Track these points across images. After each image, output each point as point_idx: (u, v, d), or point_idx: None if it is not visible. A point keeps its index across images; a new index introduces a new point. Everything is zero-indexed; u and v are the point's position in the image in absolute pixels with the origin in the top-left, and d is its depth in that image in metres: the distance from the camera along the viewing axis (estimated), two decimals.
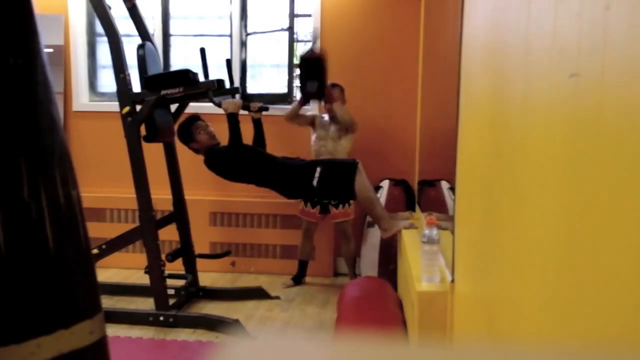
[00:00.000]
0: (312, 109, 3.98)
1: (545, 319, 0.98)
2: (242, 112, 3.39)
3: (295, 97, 4.24)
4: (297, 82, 4.26)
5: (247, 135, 3.46)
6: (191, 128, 3.44)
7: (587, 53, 0.81)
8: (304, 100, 3.71)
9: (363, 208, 3.46)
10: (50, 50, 4.18)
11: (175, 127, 3.51)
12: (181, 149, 3.60)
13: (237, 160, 3.37)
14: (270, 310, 3.45)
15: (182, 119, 3.55)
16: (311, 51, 3.67)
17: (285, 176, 3.36)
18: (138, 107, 3.17)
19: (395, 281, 3.36)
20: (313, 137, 3.83)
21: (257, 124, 3.58)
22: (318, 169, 3.27)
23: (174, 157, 3.58)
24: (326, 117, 3.83)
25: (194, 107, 3.66)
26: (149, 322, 3.16)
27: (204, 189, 4.19)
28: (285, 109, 4.04)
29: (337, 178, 3.28)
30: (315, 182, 3.25)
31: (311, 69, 3.60)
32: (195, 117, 3.48)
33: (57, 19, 4.23)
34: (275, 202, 4.01)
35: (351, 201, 3.74)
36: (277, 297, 3.64)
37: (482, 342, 1.47)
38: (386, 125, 4.10)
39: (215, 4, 4.38)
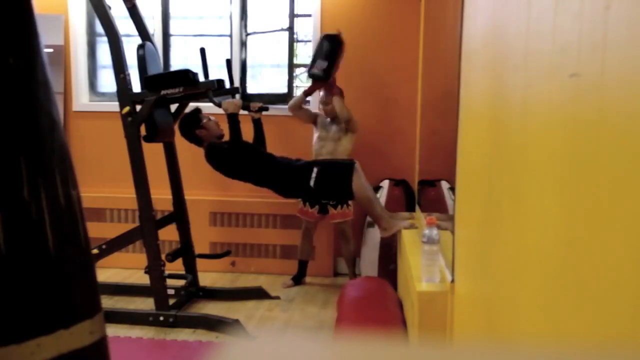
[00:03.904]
0: (310, 103, 3.98)
1: (545, 319, 0.98)
2: (242, 112, 3.39)
3: (295, 96, 4.25)
4: (298, 77, 4.27)
5: (247, 135, 3.47)
6: (199, 116, 3.45)
7: (587, 53, 0.81)
8: (311, 89, 3.71)
9: (362, 208, 3.46)
10: (50, 50, 4.18)
11: (176, 127, 3.51)
12: (181, 149, 3.60)
13: (236, 158, 3.37)
14: (270, 310, 3.45)
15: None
16: (336, 33, 3.67)
17: (283, 176, 3.36)
18: (138, 107, 3.17)
19: (395, 281, 3.36)
20: (315, 136, 3.83)
21: (257, 124, 3.58)
22: (315, 170, 3.27)
23: (174, 157, 3.58)
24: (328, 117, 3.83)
25: (194, 107, 3.65)
26: (149, 322, 3.16)
27: (204, 189, 4.19)
28: (285, 109, 4.04)
29: (334, 178, 3.28)
30: (312, 183, 3.25)
31: (328, 48, 3.61)
32: (199, 109, 3.49)
33: (57, 19, 4.23)
34: (275, 202, 4.01)
35: (350, 202, 3.75)
36: (277, 297, 3.64)
37: (482, 342, 1.47)
38: (386, 125, 4.10)
39: (215, 4, 4.38)
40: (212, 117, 3.49)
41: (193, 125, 3.42)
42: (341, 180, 3.25)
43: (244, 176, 3.44)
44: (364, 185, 3.25)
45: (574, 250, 0.84)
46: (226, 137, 3.43)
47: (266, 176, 3.39)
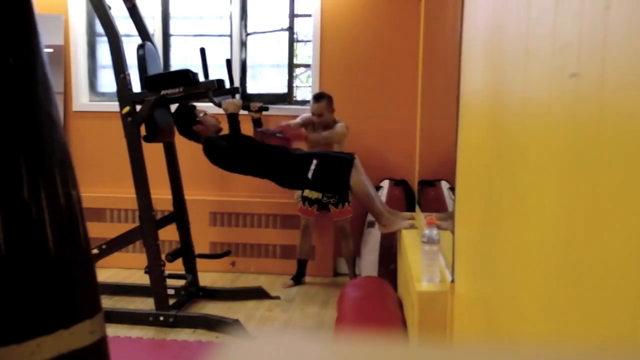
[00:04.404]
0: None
1: (545, 319, 0.98)
2: (242, 112, 3.39)
3: (295, 96, 4.26)
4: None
5: (247, 135, 3.47)
6: (194, 112, 3.44)
7: (587, 53, 0.81)
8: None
9: (362, 204, 3.44)
10: (50, 50, 4.18)
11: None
12: (181, 149, 3.60)
13: (235, 149, 3.35)
14: (270, 310, 3.45)
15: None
16: None
17: (281, 166, 3.34)
18: (138, 107, 3.17)
19: (395, 281, 3.36)
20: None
21: (257, 124, 3.58)
22: (314, 162, 3.25)
23: (174, 157, 3.58)
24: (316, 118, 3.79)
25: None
26: (149, 322, 3.16)
27: (204, 189, 4.19)
28: (285, 109, 4.04)
29: (332, 171, 3.27)
30: (310, 175, 3.24)
31: None
32: (193, 106, 3.48)
33: (57, 19, 4.23)
34: (275, 202, 4.01)
35: (349, 200, 3.74)
36: (277, 297, 3.64)
37: (482, 342, 1.47)
38: (386, 125, 4.10)
39: (215, 4, 4.38)
40: (207, 112, 3.47)
41: (190, 122, 3.41)
42: (339, 173, 3.23)
43: (242, 168, 3.41)
44: (363, 181, 3.24)
45: (574, 250, 0.84)
46: (224, 133, 3.42)
47: (264, 166, 3.35)
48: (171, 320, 3.15)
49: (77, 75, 4.31)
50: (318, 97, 3.69)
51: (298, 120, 3.76)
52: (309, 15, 4.16)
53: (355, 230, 3.90)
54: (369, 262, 3.84)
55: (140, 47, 3.29)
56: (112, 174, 4.21)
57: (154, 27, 4.28)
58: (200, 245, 3.83)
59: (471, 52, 1.81)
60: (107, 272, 4.01)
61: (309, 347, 0.38)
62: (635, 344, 0.64)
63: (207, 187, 4.19)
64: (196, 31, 4.43)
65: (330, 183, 3.36)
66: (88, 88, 4.43)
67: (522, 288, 1.13)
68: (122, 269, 4.13)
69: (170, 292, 3.30)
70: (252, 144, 3.42)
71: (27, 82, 0.69)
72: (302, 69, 4.39)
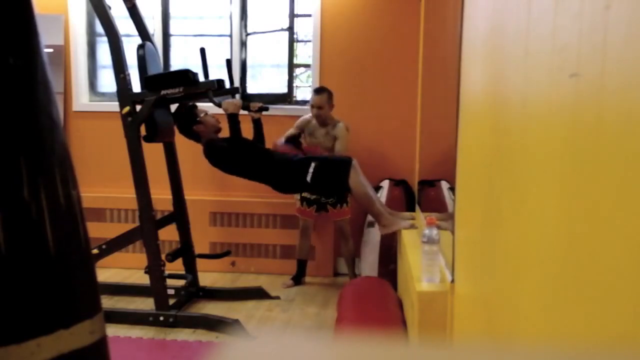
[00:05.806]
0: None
1: (545, 319, 0.98)
2: (242, 112, 3.39)
3: (295, 96, 4.27)
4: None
5: (247, 135, 3.47)
6: (195, 111, 3.43)
7: (587, 53, 0.81)
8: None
9: (361, 205, 3.44)
10: (50, 50, 4.18)
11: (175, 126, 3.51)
12: (181, 149, 3.60)
13: (235, 153, 3.36)
14: (270, 310, 3.45)
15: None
16: None
17: (280, 170, 3.35)
18: (138, 107, 3.17)
19: (395, 281, 3.36)
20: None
21: (257, 124, 3.58)
22: (313, 165, 3.26)
23: (174, 157, 3.58)
24: (314, 121, 3.77)
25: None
26: (149, 322, 3.16)
27: (204, 189, 4.19)
28: (285, 109, 4.04)
29: (330, 174, 3.28)
30: (309, 178, 3.25)
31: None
32: (194, 105, 3.48)
33: (57, 19, 4.23)
34: (275, 202, 4.01)
35: (348, 200, 3.75)
36: (277, 297, 3.64)
37: (482, 342, 1.47)
38: (386, 125, 4.10)
39: (215, 4, 4.38)
40: (208, 112, 3.47)
41: (190, 122, 3.41)
42: (338, 176, 3.24)
43: (241, 171, 3.42)
44: (362, 182, 3.24)
45: (574, 251, 0.84)
46: (224, 133, 3.42)
47: (263, 170, 3.36)
48: (171, 320, 3.15)
49: (77, 75, 4.31)
50: (319, 90, 3.70)
51: (292, 130, 3.75)
52: (309, 15, 4.16)
53: (355, 231, 3.90)
54: (369, 262, 3.84)
55: (140, 47, 3.29)
56: (112, 174, 4.21)
57: (154, 27, 4.28)
58: (200, 245, 3.83)
59: (471, 52, 1.81)
60: (107, 272, 4.01)
61: (309, 347, 0.38)
62: (635, 344, 0.64)
63: (207, 187, 4.19)
64: (196, 31, 4.43)
65: (329, 185, 3.37)
66: (88, 88, 4.43)
67: (522, 288, 1.13)
68: (122, 269, 4.13)
69: (170, 292, 3.30)
70: (253, 147, 3.42)
71: (27, 82, 0.69)
72: (302, 69, 4.39)
